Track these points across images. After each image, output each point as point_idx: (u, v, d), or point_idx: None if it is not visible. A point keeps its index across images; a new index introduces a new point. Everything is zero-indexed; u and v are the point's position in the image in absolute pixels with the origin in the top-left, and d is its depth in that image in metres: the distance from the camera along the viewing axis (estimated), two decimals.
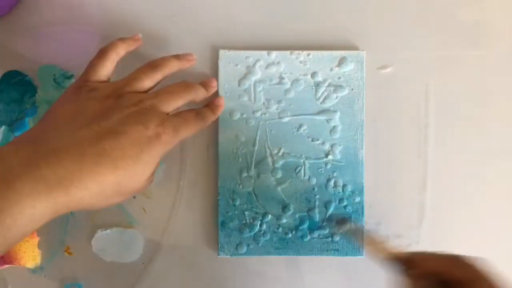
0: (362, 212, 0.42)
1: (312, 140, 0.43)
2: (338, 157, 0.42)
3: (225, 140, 0.42)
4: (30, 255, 0.42)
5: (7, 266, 0.42)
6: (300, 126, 0.43)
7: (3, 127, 0.43)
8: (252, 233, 0.42)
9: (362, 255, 0.42)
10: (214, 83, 0.41)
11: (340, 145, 0.42)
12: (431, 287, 0.30)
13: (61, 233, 0.43)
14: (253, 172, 0.42)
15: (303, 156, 0.42)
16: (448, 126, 0.43)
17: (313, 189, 0.42)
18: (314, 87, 0.43)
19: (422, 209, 0.43)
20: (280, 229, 0.42)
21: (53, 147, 0.30)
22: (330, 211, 0.42)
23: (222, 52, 0.42)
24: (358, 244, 0.41)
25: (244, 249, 0.42)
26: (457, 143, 0.43)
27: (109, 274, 0.43)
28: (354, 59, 0.42)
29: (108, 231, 0.43)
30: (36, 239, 0.42)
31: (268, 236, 0.42)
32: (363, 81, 0.42)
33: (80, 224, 0.43)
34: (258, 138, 0.43)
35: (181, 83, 0.37)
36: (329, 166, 0.42)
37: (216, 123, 0.42)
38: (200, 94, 0.39)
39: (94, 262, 0.43)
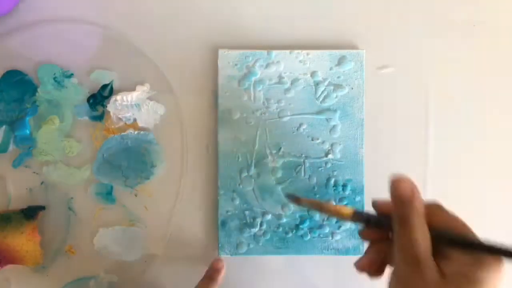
0: None
1: (312, 139, 0.43)
2: (338, 156, 0.42)
3: (225, 140, 0.42)
4: (33, 255, 0.42)
5: (10, 265, 0.42)
6: (300, 125, 0.43)
7: (4, 126, 0.43)
8: (253, 233, 0.42)
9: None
10: (220, 264, 0.42)
11: (340, 144, 0.42)
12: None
13: (63, 232, 0.43)
14: (253, 171, 0.42)
15: (303, 155, 0.43)
16: (448, 126, 0.43)
17: (313, 188, 0.43)
18: (313, 86, 0.42)
19: None
20: (280, 229, 0.43)
21: None
22: None
23: (221, 52, 0.42)
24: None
25: (245, 248, 0.42)
26: (457, 143, 0.43)
27: (111, 272, 0.43)
28: (354, 58, 0.42)
29: (110, 229, 0.43)
30: (38, 239, 0.42)
31: (268, 236, 0.42)
32: (363, 80, 0.42)
33: (82, 223, 0.43)
34: (258, 137, 0.43)
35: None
36: (329, 165, 0.43)
37: (216, 123, 0.43)
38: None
39: (97, 260, 0.43)
